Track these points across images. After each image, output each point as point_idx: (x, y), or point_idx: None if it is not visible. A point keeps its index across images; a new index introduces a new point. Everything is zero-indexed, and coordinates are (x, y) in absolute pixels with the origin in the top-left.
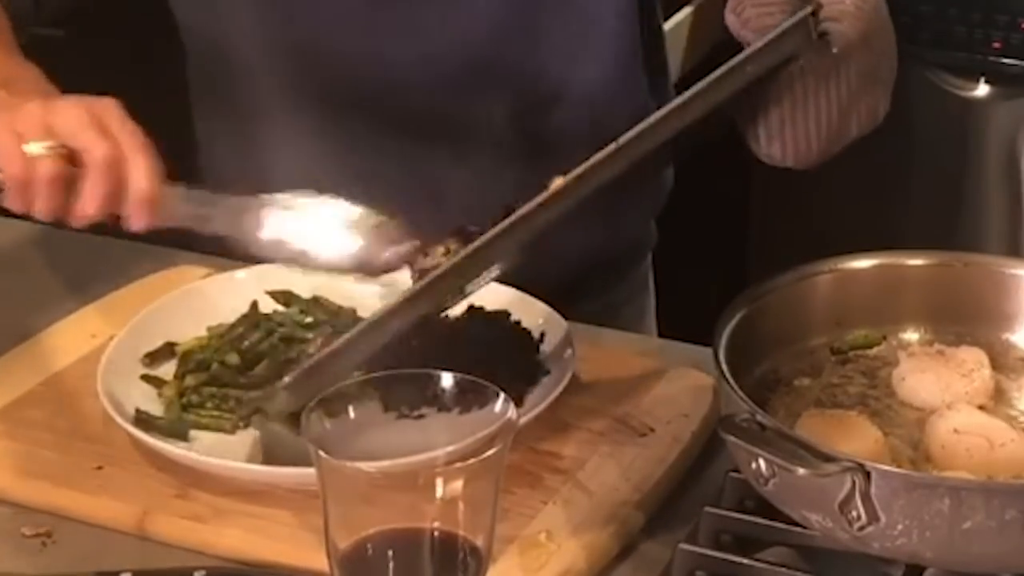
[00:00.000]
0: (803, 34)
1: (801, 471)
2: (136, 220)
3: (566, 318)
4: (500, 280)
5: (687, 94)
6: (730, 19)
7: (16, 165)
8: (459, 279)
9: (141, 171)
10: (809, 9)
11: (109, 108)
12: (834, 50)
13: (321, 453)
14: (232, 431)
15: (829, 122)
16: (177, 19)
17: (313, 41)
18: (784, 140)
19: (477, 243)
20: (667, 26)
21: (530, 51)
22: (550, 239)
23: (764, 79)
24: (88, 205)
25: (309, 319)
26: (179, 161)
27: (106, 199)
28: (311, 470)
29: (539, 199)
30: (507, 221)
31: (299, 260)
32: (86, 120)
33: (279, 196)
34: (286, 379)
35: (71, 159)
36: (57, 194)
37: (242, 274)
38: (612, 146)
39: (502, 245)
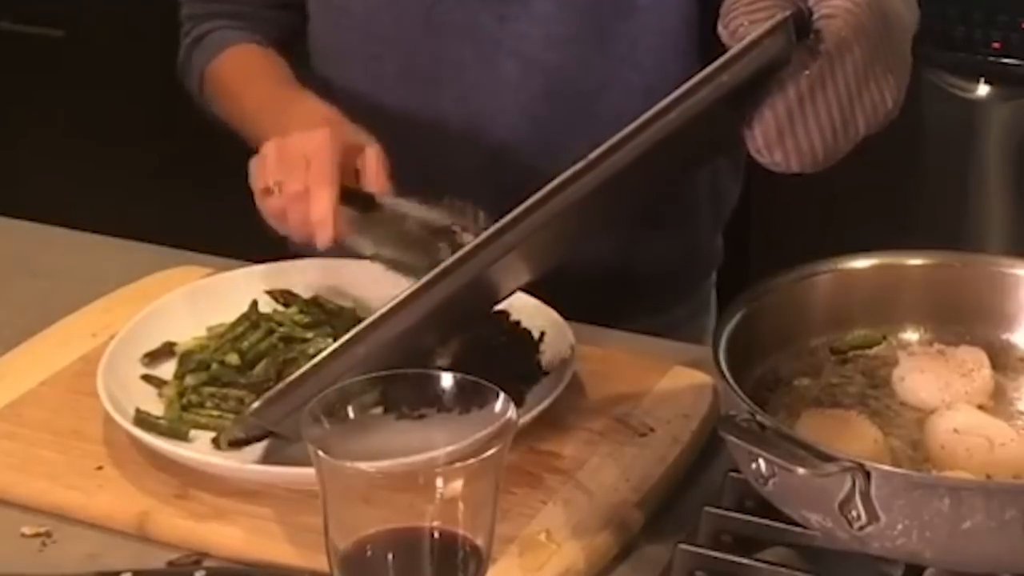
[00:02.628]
0: (782, 39)
1: (801, 471)
2: (317, 239)
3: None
4: (523, 289)
5: (656, 107)
6: (721, 32)
7: (260, 203)
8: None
9: (317, 202)
10: (787, 14)
11: (319, 143)
12: (822, 48)
13: (321, 453)
14: None
15: (831, 123)
16: None
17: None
18: (786, 147)
19: (464, 249)
20: None
21: (593, 63)
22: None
23: (754, 86)
24: (282, 227)
25: (308, 319)
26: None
27: (298, 224)
28: (311, 470)
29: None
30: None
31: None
32: (297, 161)
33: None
34: (254, 405)
35: None
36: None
37: (242, 274)
38: (582, 162)
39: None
